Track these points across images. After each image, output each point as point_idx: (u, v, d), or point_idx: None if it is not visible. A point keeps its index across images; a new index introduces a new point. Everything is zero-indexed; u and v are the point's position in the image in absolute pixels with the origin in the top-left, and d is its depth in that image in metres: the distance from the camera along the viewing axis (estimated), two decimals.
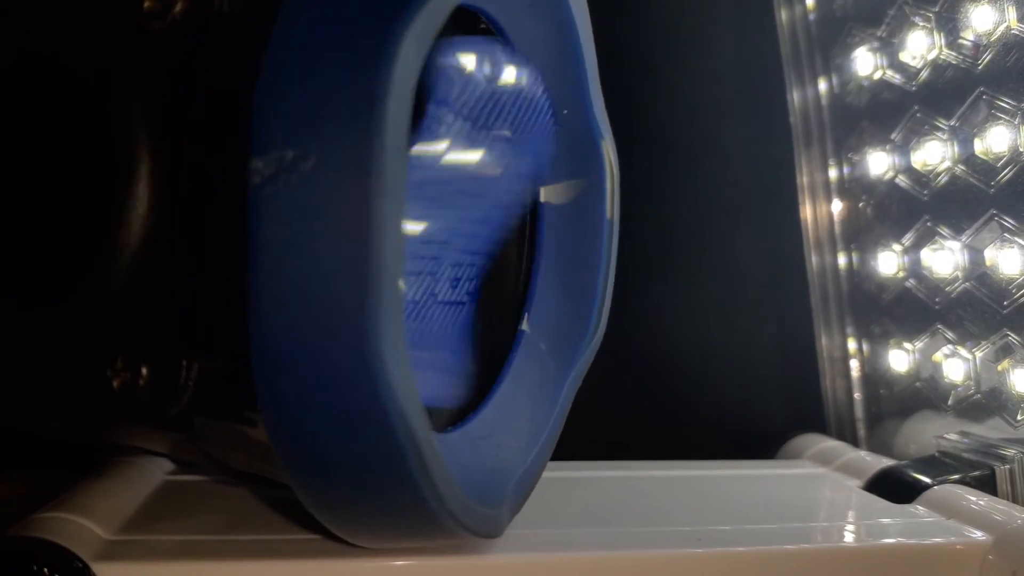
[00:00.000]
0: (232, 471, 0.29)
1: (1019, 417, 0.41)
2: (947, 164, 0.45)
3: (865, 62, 0.51)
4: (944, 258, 0.45)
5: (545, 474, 0.31)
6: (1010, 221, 0.41)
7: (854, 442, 0.51)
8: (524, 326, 0.33)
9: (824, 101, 0.55)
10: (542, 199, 0.33)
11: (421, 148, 0.24)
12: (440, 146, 0.25)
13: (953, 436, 0.43)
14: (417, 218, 0.24)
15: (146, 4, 0.27)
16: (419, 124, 0.24)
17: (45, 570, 0.25)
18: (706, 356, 0.55)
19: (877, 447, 0.50)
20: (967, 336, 0.44)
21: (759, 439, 0.50)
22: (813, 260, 0.55)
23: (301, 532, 0.29)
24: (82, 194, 0.29)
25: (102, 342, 0.27)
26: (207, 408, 0.26)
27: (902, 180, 0.49)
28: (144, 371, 0.26)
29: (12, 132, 0.30)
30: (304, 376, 0.21)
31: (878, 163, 0.51)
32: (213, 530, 0.29)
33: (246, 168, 0.21)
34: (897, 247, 0.49)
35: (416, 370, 0.21)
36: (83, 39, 0.29)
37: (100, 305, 0.27)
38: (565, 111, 0.32)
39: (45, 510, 0.28)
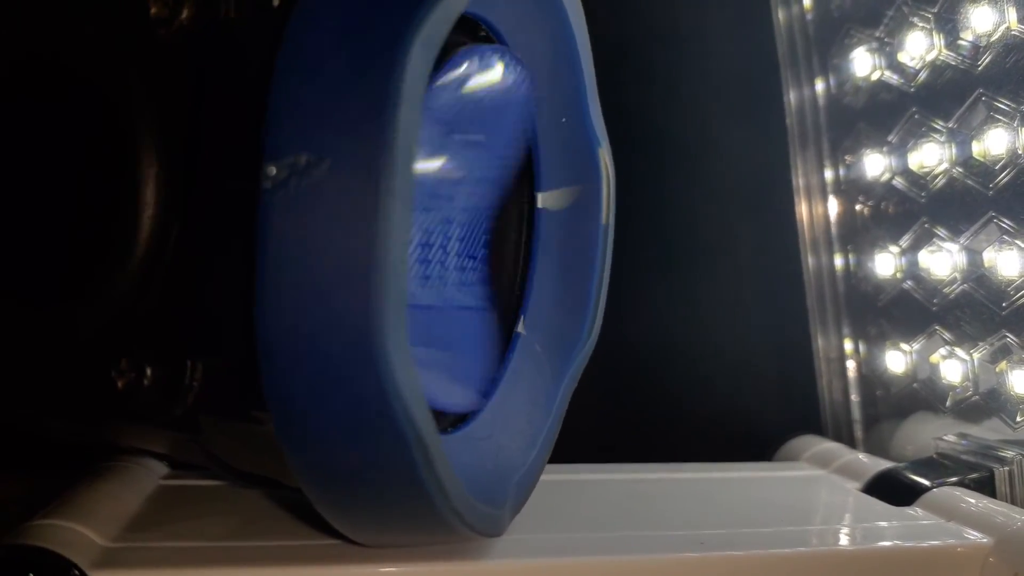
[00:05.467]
0: (235, 472, 0.29)
1: (1018, 419, 0.41)
2: (944, 166, 0.45)
3: (863, 63, 0.51)
4: (942, 259, 0.45)
5: (541, 477, 0.31)
6: (1009, 223, 0.41)
7: (851, 443, 0.51)
8: (520, 328, 0.33)
9: (821, 102, 0.55)
10: (539, 205, 0.34)
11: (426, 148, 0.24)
12: (442, 149, 0.25)
13: (951, 438, 0.43)
14: (420, 221, 0.24)
15: (153, 10, 0.27)
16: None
17: None
18: (702, 357, 0.54)
19: (874, 449, 0.50)
20: (964, 337, 0.44)
21: (756, 441, 0.50)
22: (810, 261, 0.55)
23: (300, 537, 0.28)
24: (89, 196, 0.29)
25: (106, 342, 0.27)
26: (212, 408, 0.26)
27: (899, 182, 0.49)
28: (148, 371, 0.26)
29: (22, 135, 0.30)
30: (312, 376, 0.21)
31: (875, 164, 0.50)
32: (211, 536, 0.28)
33: (257, 172, 0.21)
34: (894, 248, 0.49)
35: (421, 372, 0.21)
36: (91, 44, 0.29)
37: (105, 306, 0.27)
38: (563, 119, 0.33)
39: (41, 516, 0.27)
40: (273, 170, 0.21)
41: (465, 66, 0.27)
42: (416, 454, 0.22)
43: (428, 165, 0.25)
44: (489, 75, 0.29)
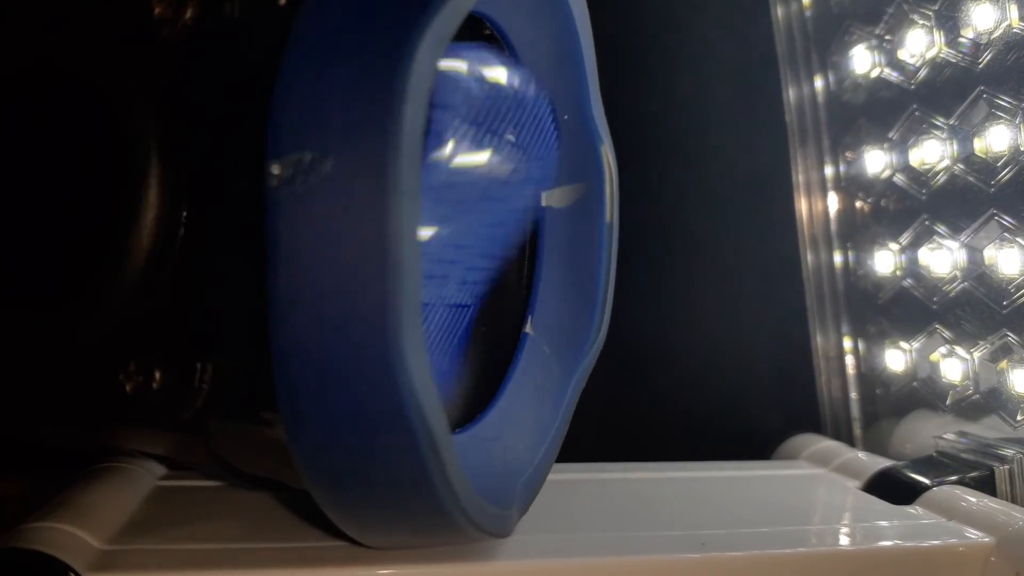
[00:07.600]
0: (241, 474, 0.29)
1: (1019, 417, 0.41)
2: (946, 163, 0.45)
3: (863, 60, 0.51)
4: (942, 257, 0.45)
5: None
6: (1010, 220, 0.41)
7: (850, 442, 0.51)
8: (528, 329, 0.33)
9: (820, 99, 0.55)
10: (543, 203, 0.34)
11: (434, 152, 0.24)
12: (450, 150, 0.25)
13: (951, 436, 0.43)
14: (430, 222, 0.24)
15: (156, 10, 0.27)
16: (427, 128, 0.23)
17: None
18: (700, 355, 0.54)
19: (873, 447, 0.50)
20: (965, 336, 0.44)
21: (754, 439, 0.50)
22: (809, 258, 0.55)
23: (299, 539, 0.28)
24: (93, 198, 0.29)
25: (114, 346, 0.27)
26: (222, 410, 0.26)
27: (900, 179, 0.48)
28: (157, 374, 0.26)
29: (24, 138, 0.30)
30: (324, 376, 0.21)
31: (875, 161, 0.50)
32: (209, 538, 0.28)
33: (262, 171, 0.21)
34: (894, 246, 0.49)
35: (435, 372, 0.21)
36: (93, 45, 0.28)
37: (112, 309, 0.27)
38: (566, 116, 0.33)
39: (36, 519, 0.27)
40: (277, 168, 0.21)
41: (474, 61, 0.26)
42: (427, 454, 0.21)
43: (436, 166, 0.25)
44: (486, 71, 0.29)
